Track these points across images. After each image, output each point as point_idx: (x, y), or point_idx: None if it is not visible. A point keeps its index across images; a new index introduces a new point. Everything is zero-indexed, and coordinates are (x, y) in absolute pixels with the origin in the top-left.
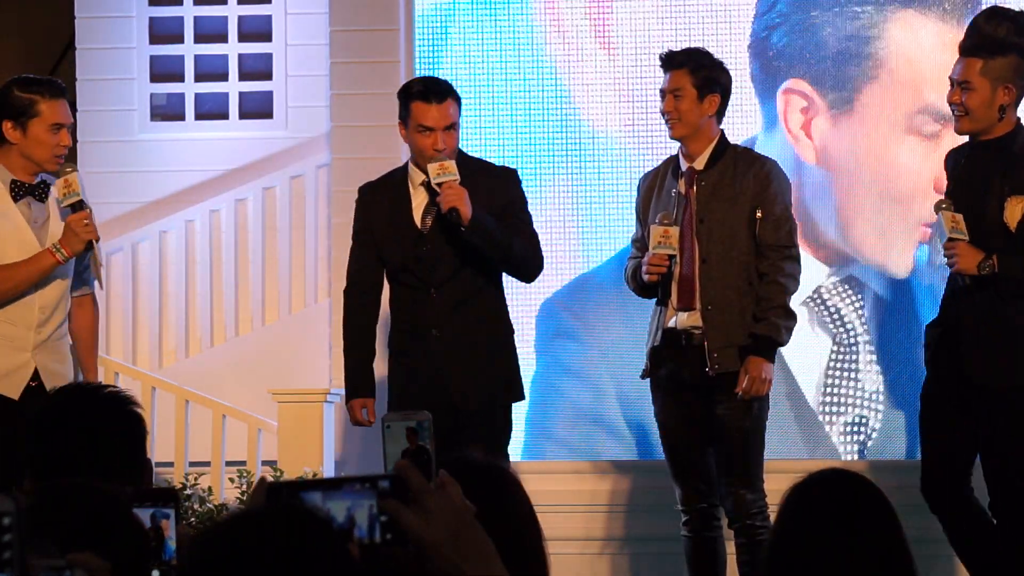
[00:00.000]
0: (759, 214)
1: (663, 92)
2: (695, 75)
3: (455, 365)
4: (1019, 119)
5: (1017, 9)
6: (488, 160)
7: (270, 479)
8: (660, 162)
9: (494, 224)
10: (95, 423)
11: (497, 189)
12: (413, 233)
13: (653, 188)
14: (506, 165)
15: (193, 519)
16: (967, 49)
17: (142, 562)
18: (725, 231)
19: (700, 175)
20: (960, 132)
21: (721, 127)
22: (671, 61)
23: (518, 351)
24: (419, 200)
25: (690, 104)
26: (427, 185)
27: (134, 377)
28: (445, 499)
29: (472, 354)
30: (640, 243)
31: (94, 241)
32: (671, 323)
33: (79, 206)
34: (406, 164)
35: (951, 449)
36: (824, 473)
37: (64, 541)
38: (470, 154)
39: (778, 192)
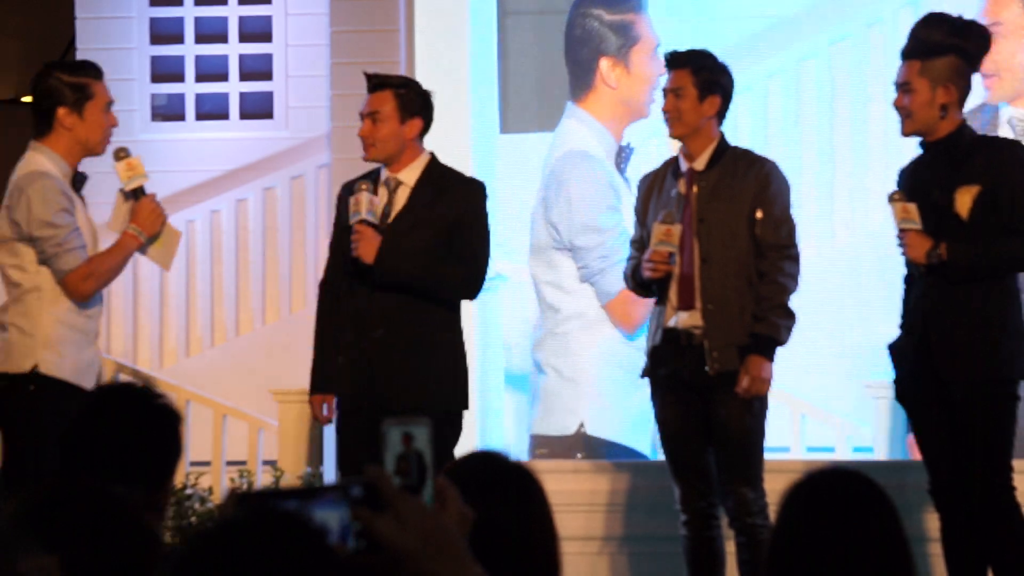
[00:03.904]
0: (759, 214)
1: (664, 91)
2: (697, 76)
3: (388, 367)
4: (964, 119)
5: (954, 14)
6: (459, 171)
7: (239, 489)
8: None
9: (407, 266)
10: (147, 428)
11: (452, 201)
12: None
13: (653, 189)
14: (473, 177)
15: (193, 519)
16: (906, 53)
17: (151, 569)
18: (725, 231)
19: (700, 175)
20: (905, 134)
21: (721, 129)
22: (674, 60)
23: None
24: (380, 196)
25: (690, 104)
26: (386, 183)
27: (134, 377)
28: (419, 505)
29: (408, 356)
30: (639, 243)
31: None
32: (671, 322)
33: (142, 190)
34: None
35: (947, 449)
36: (825, 471)
37: (71, 543)
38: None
39: (778, 192)
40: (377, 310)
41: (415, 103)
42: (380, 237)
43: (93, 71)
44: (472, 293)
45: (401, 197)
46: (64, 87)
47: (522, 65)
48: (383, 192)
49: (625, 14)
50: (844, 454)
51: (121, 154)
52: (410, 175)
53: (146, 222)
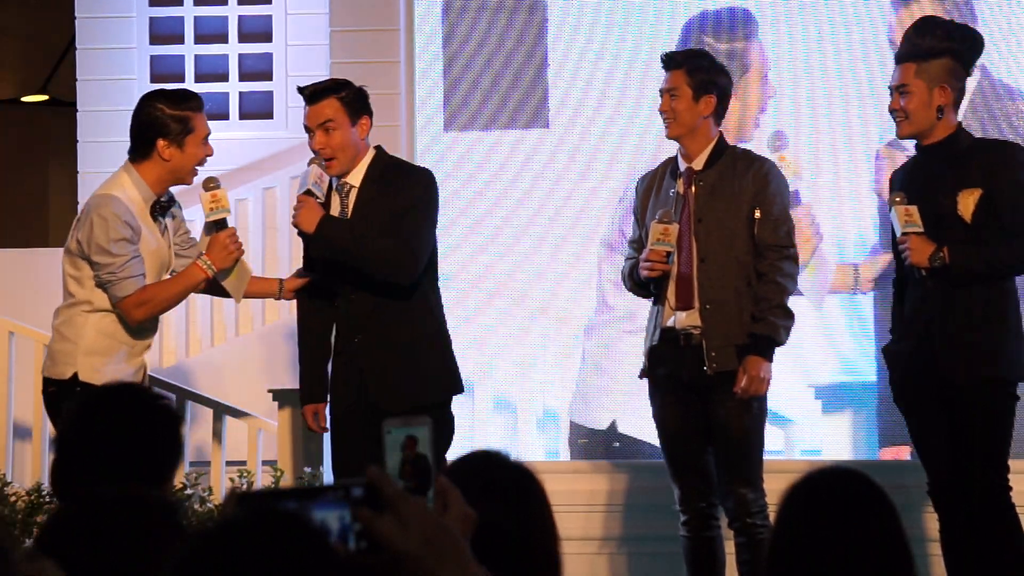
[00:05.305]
0: (757, 214)
1: (661, 91)
2: (692, 76)
3: (376, 369)
4: (960, 122)
5: (947, 18)
6: (404, 161)
7: (239, 489)
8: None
9: (343, 239)
10: (147, 428)
11: (402, 189)
12: None
13: (651, 189)
14: (420, 166)
15: (193, 519)
16: (901, 57)
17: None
18: (723, 231)
19: (699, 175)
20: (902, 136)
21: (720, 128)
22: (670, 61)
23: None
24: (333, 204)
25: (685, 104)
26: (338, 189)
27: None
28: (419, 506)
29: (392, 355)
30: (637, 243)
31: (242, 256)
32: (669, 322)
33: (224, 222)
34: None
35: (945, 450)
36: (825, 471)
37: (120, 550)
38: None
39: (776, 192)
40: (351, 317)
41: (357, 102)
42: (322, 211)
43: (195, 103)
44: (402, 272)
45: (351, 200)
46: (168, 120)
47: (465, 64)
48: (336, 199)
49: (734, 42)
50: (792, 456)
51: (210, 184)
52: (357, 176)
53: (218, 256)
